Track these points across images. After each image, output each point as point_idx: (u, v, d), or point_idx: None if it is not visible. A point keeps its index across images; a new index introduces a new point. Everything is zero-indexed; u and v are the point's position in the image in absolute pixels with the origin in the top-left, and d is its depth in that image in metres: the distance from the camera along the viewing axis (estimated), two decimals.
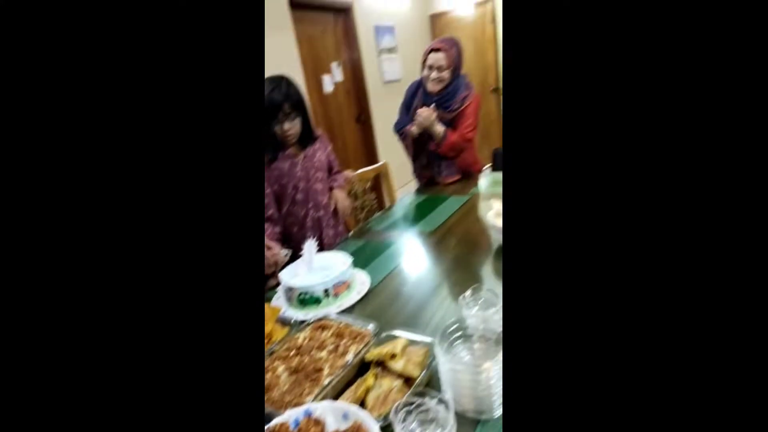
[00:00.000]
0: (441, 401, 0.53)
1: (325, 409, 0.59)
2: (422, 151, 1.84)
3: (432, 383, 0.67)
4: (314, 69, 3.16)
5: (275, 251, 1.22)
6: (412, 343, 0.73)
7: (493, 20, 4.14)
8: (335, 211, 1.47)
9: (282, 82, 1.25)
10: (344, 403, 0.60)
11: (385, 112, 3.75)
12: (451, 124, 1.73)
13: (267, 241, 1.24)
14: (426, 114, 1.66)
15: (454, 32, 4.02)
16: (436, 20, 4.45)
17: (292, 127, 1.27)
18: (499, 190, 1.68)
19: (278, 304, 1.02)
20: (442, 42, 1.66)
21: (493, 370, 0.56)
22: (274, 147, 1.30)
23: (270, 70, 1.31)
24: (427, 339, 0.73)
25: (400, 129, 1.87)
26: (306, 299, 0.99)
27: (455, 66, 1.66)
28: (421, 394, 0.55)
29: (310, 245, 1.07)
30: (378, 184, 1.96)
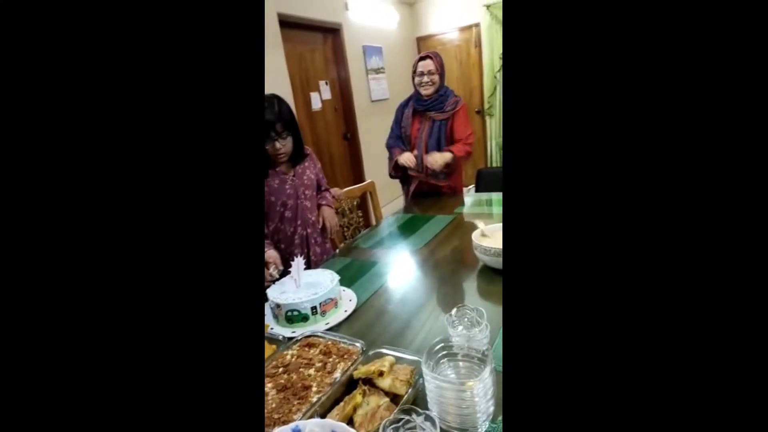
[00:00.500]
0: (428, 418, 0.55)
1: (313, 427, 0.60)
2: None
3: (417, 401, 0.68)
4: (303, 86, 3.21)
5: (269, 269, 1.23)
6: (398, 360, 0.75)
7: (478, 44, 4.30)
8: (323, 229, 1.49)
9: (274, 101, 1.27)
10: (332, 421, 0.61)
11: (372, 131, 3.82)
12: (446, 123, 1.88)
13: (269, 253, 1.25)
14: (405, 157, 1.87)
15: (441, 54, 4.16)
16: (422, 42, 4.59)
17: (283, 146, 1.30)
18: (483, 210, 1.73)
19: (266, 321, 1.03)
20: (428, 52, 1.88)
21: (477, 388, 0.58)
22: (265, 165, 1.32)
23: None
24: (414, 357, 0.75)
25: (390, 146, 2.00)
26: (293, 316, 1.00)
27: (442, 72, 1.88)
28: (408, 412, 0.57)
29: (298, 263, 1.08)
30: (364, 201, 1.99)
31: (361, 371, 0.72)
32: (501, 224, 1.21)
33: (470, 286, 1.12)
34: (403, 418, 0.56)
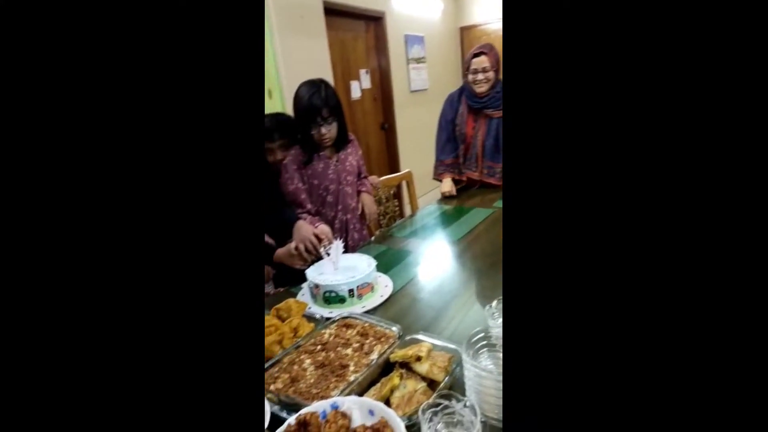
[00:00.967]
0: (467, 405, 0.55)
1: (351, 404, 0.62)
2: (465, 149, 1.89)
3: (454, 389, 0.68)
4: (344, 74, 3.23)
5: (323, 242, 1.22)
6: (434, 348, 0.75)
7: None
8: (362, 215, 1.50)
9: (321, 86, 1.29)
10: (370, 400, 0.62)
11: (410, 122, 3.80)
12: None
13: (322, 227, 1.26)
14: (447, 188, 1.86)
15: None
16: (466, 32, 4.49)
17: (328, 131, 1.31)
18: None
19: (304, 300, 1.05)
20: (482, 47, 1.76)
21: None
22: (311, 149, 1.34)
23: (303, 72, 1.37)
24: (451, 345, 0.75)
25: (438, 173, 1.96)
26: (331, 297, 1.02)
27: (498, 67, 1.76)
28: (448, 397, 0.57)
29: (337, 245, 1.10)
30: (399, 191, 1.99)
31: (399, 355, 0.72)
32: None
33: None
34: (442, 403, 0.56)
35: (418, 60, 3.95)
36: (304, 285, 1.12)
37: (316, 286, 1.03)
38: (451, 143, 1.91)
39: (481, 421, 0.56)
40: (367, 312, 0.98)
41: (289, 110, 1.43)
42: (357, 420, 0.60)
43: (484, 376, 0.60)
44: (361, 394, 0.68)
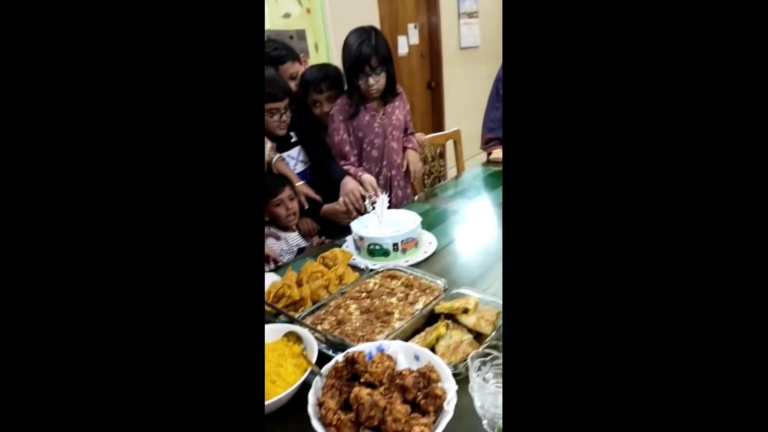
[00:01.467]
0: None
1: (397, 348, 0.62)
2: None
3: (499, 346, 0.68)
4: (391, 29, 3.10)
5: (368, 192, 1.21)
6: (482, 302, 0.73)
7: None
8: (407, 172, 1.47)
9: (371, 33, 1.23)
10: (416, 345, 0.63)
11: (458, 81, 3.63)
12: None
13: (366, 176, 1.26)
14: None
15: None
16: None
17: (377, 81, 1.27)
18: None
19: (349, 250, 1.07)
20: None
21: None
22: (357, 101, 1.31)
23: (350, 25, 1.31)
24: (498, 300, 0.73)
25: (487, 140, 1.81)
26: (375, 250, 1.03)
27: None
28: (496, 348, 0.56)
29: (382, 199, 1.09)
30: (444, 152, 1.93)
31: (445, 306, 0.72)
32: None
33: None
34: (491, 353, 0.55)
35: (471, 14, 3.71)
36: (348, 237, 1.13)
37: (361, 238, 1.04)
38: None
39: None
40: (411, 266, 0.98)
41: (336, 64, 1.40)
42: (402, 364, 0.61)
43: None
44: (406, 340, 0.69)
